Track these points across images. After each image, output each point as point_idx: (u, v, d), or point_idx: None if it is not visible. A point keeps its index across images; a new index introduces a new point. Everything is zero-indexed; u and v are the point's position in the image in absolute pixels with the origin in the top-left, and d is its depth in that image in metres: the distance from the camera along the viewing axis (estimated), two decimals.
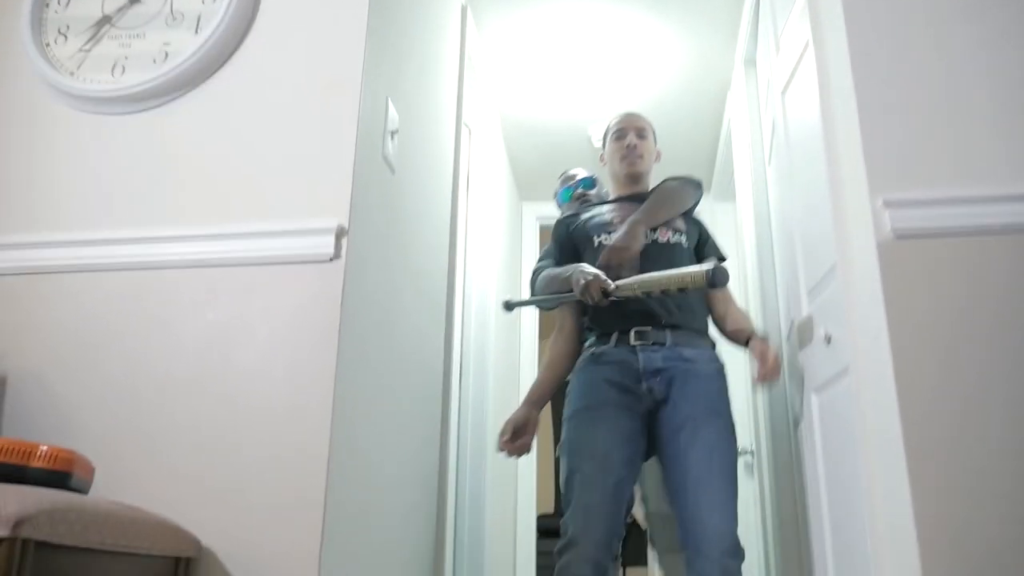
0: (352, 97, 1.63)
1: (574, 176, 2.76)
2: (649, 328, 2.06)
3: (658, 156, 2.47)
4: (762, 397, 2.96)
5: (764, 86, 2.76)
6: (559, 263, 2.28)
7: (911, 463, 1.37)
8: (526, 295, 4.30)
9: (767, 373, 2.01)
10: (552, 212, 4.38)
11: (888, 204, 1.48)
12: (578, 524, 1.86)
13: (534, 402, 2.20)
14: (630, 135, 2.35)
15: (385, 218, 1.77)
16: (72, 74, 1.75)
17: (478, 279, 3.27)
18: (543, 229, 4.49)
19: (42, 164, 1.71)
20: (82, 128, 1.72)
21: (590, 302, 2.01)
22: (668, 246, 2.18)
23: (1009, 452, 1.35)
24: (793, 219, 2.25)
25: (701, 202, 2.34)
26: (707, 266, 1.89)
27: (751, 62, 3.06)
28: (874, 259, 1.49)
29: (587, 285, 2.00)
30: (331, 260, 1.53)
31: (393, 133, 1.82)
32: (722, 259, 2.30)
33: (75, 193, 1.68)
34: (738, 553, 1.85)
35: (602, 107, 3.60)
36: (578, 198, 2.68)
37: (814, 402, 2.06)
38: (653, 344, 2.05)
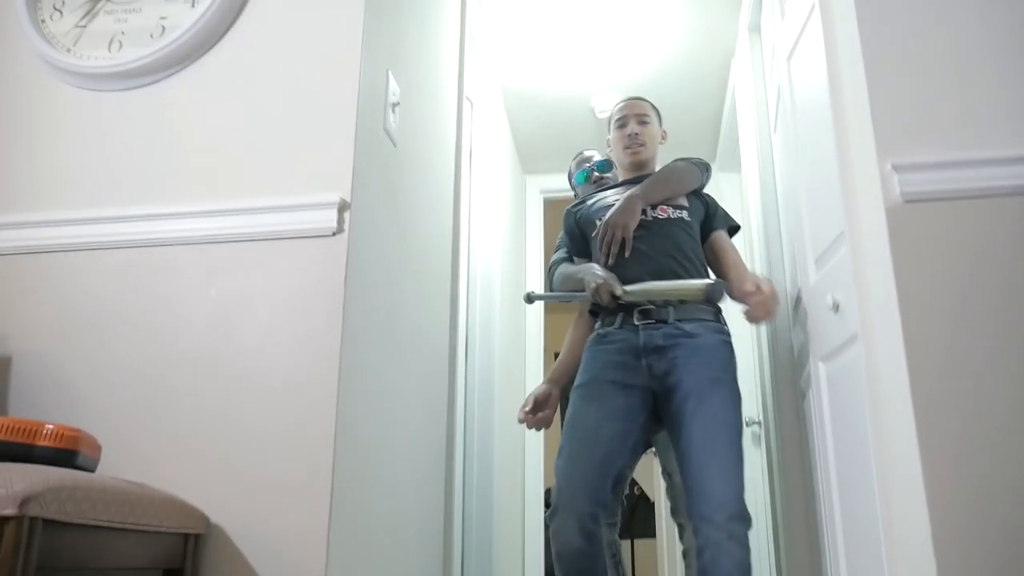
0: (352, 69, 1.61)
1: (590, 158, 2.75)
2: (652, 307, 2.10)
3: (664, 137, 2.48)
4: (768, 366, 2.95)
5: (769, 53, 2.72)
6: (571, 252, 2.37)
7: (921, 429, 1.36)
8: (532, 268, 4.29)
9: (761, 300, 2.02)
10: (555, 185, 4.36)
11: (897, 168, 1.46)
12: (562, 494, 1.95)
13: (555, 380, 2.34)
14: (631, 123, 2.38)
15: (388, 192, 1.76)
16: (69, 50, 1.73)
17: (482, 253, 3.26)
18: (547, 202, 4.47)
19: (41, 142, 1.70)
20: (80, 105, 1.71)
21: (602, 303, 2.11)
22: (668, 222, 2.20)
23: (1021, 416, 1.34)
24: (799, 187, 2.23)
25: (709, 182, 2.35)
26: (706, 282, 2.00)
27: (756, 28, 3.01)
28: (883, 224, 1.47)
29: (597, 288, 2.09)
30: (334, 235, 1.52)
31: (394, 106, 1.80)
32: (734, 228, 2.34)
33: (75, 171, 1.66)
34: (744, 518, 1.86)
35: (605, 77, 3.57)
36: (594, 181, 2.67)
37: (822, 371, 2.05)
38: (656, 322, 2.09)
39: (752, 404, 3.81)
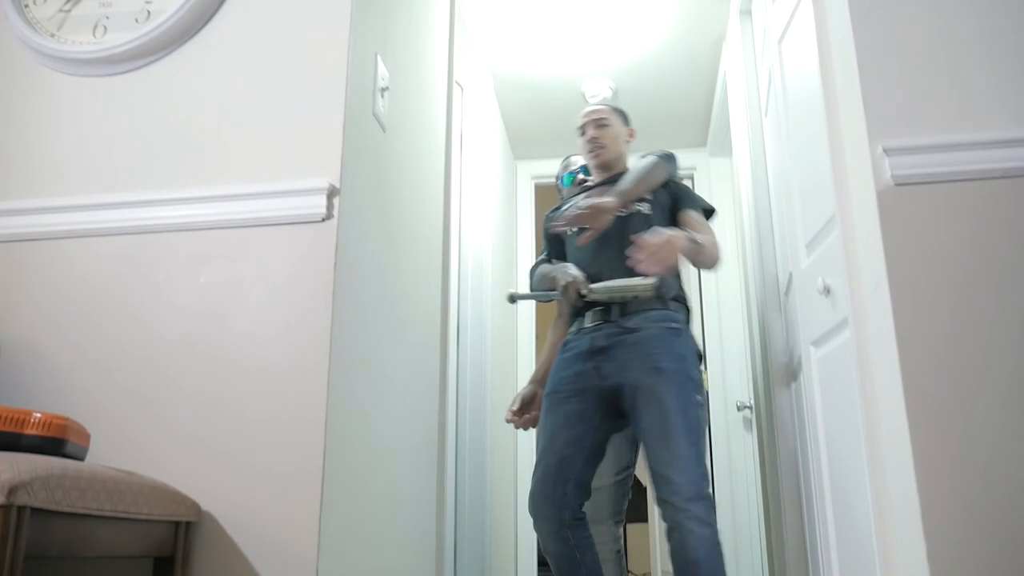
0: (340, 53, 1.60)
1: (575, 163, 2.77)
2: (601, 309, 2.20)
3: (631, 135, 2.53)
4: (759, 351, 2.96)
5: (760, 36, 2.72)
6: (550, 256, 2.47)
7: (911, 413, 1.37)
8: (523, 254, 4.28)
9: (646, 254, 2.00)
10: (546, 171, 4.35)
11: (888, 151, 1.46)
12: (531, 504, 2.13)
13: (538, 381, 2.44)
14: (590, 129, 2.46)
15: (377, 177, 1.75)
16: (53, 36, 1.71)
17: (473, 239, 3.25)
18: (538, 188, 4.46)
19: (25, 129, 1.68)
20: (65, 91, 1.69)
21: (569, 301, 2.22)
22: (629, 217, 2.26)
23: (1012, 401, 1.35)
24: (790, 171, 2.22)
25: (678, 172, 2.41)
26: (653, 280, 2.08)
27: (746, 12, 3.00)
28: (874, 207, 1.47)
29: (566, 287, 2.20)
30: (323, 220, 1.51)
31: (383, 90, 1.78)
32: (709, 211, 2.39)
33: (60, 158, 1.65)
34: (701, 498, 1.94)
35: (596, 62, 3.55)
36: (579, 183, 2.69)
37: (812, 355, 2.06)
38: (604, 323, 2.18)
39: (743, 389, 3.82)
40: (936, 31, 1.54)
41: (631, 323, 2.14)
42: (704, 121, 4.01)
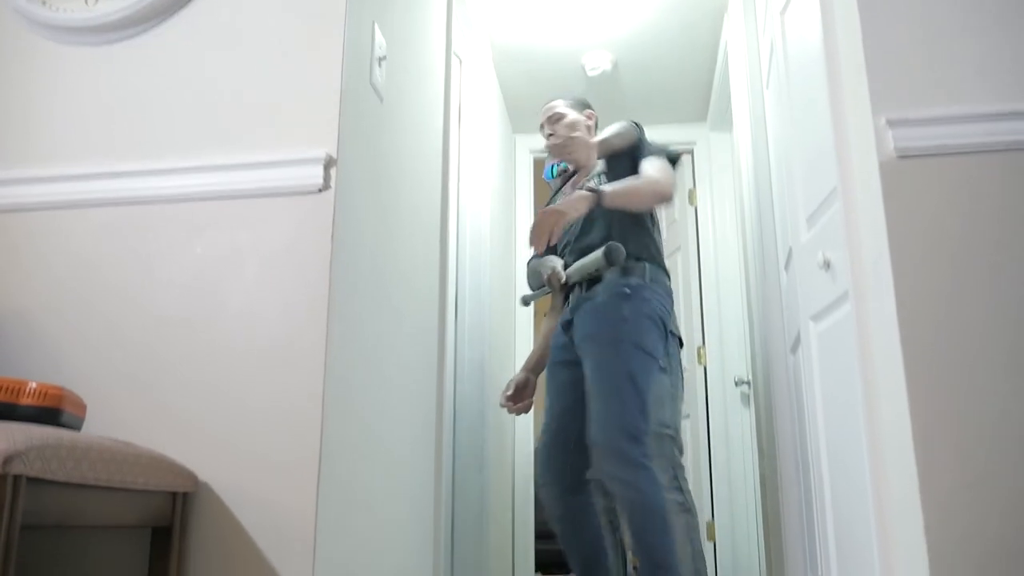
0: (337, 20, 1.57)
1: None
2: (574, 286, 2.35)
3: (590, 117, 2.62)
4: (758, 326, 2.95)
5: (762, 7, 2.68)
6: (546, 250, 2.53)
7: (911, 387, 1.36)
8: (522, 228, 4.27)
9: (535, 226, 2.11)
10: (543, 145, 4.32)
11: (891, 123, 1.45)
12: (536, 469, 2.32)
13: (531, 368, 2.55)
14: (547, 127, 2.58)
15: (375, 148, 1.73)
16: (44, 3, 1.68)
17: (472, 212, 3.23)
18: (537, 162, 4.43)
19: (19, 98, 1.66)
20: (58, 59, 1.66)
21: (556, 290, 2.40)
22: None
23: (1013, 374, 1.34)
24: (792, 144, 2.21)
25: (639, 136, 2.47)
26: (602, 250, 2.21)
27: None
28: (876, 180, 1.45)
29: (549, 278, 2.38)
30: (320, 191, 1.49)
31: (381, 60, 1.76)
32: (672, 156, 2.41)
33: (53, 127, 1.63)
34: (612, 455, 2.02)
35: (596, 33, 3.52)
36: (561, 174, 2.71)
37: (812, 329, 2.05)
38: (575, 298, 2.34)
39: (741, 364, 3.82)
40: (942, 2, 1.52)
41: (589, 293, 2.29)
42: (704, 95, 3.98)
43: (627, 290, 2.21)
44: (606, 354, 2.13)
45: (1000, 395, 1.34)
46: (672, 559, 1.99)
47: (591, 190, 2.15)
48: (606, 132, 2.44)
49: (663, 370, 2.15)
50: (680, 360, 2.40)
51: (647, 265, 2.27)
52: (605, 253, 2.21)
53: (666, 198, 2.27)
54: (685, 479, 2.30)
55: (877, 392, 1.53)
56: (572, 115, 2.55)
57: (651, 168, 2.29)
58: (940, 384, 1.36)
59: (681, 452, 2.36)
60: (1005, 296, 1.37)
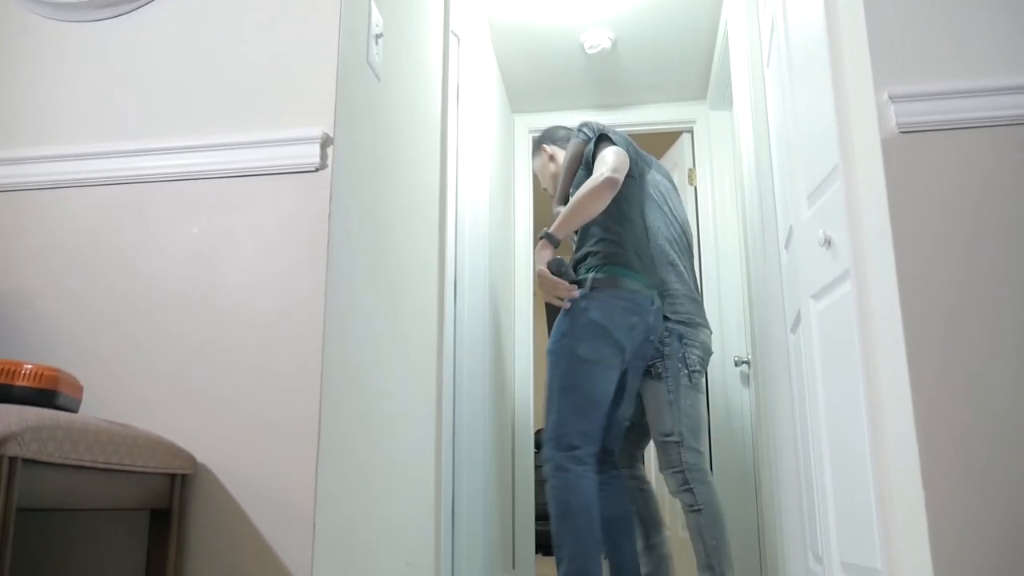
0: None
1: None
2: None
3: (550, 156, 2.86)
4: (758, 306, 2.95)
5: None
6: None
7: (912, 366, 1.36)
8: (520, 208, 4.25)
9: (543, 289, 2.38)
10: (543, 124, 4.30)
11: (893, 98, 1.43)
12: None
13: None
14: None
15: (372, 127, 1.71)
16: None
17: (470, 192, 3.21)
18: (536, 142, 4.40)
19: (12, 75, 1.64)
20: (52, 36, 1.64)
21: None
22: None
23: (1018, 353, 1.33)
24: (792, 122, 2.19)
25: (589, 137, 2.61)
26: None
27: None
28: (878, 156, 1.44)
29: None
30: (317, 170, 1.48)
31: (377, 37, 1.74)
32: (602, 137, 2.51)
33: (48, 106, 1.61)
34: (547, 458, 2.29)
35: (595, 11, 3.48)
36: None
37: (812, 308, 2.04)
38: None
39: (741, 343, 3.82)
40: None
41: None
42: (704, 73, 3.95)
43: (568, 306, 2.35)
44: (549, 365, 2.35)
45: (1004, 373, 1.33)
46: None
47: (541, 236, 2.38)
48: (577, 203, 2.43)
49: (583, 364, 2.32)
50: (679, 367, 2.58)
51: (590, 276, 2.38)
52: (553, 272, 2.35)
53: (604, 191, 2.34)
54: (701, 479, 2.49)
55: (878, 370, 1.52)
56: (537, 161, 2.90)
57: (594, 172, 2.45)
58: (942, 362, 1.35)
59: (697, 452, 2.52)
60: (1010, 271, 1.36)
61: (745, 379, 3.77)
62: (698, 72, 3.94)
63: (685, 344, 2.62)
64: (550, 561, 5.30)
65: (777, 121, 2.51)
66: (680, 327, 2.64)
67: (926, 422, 1.33)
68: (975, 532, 1.28)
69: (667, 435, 2.53)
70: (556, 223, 2.36)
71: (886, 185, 1.41)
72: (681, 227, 2.79)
